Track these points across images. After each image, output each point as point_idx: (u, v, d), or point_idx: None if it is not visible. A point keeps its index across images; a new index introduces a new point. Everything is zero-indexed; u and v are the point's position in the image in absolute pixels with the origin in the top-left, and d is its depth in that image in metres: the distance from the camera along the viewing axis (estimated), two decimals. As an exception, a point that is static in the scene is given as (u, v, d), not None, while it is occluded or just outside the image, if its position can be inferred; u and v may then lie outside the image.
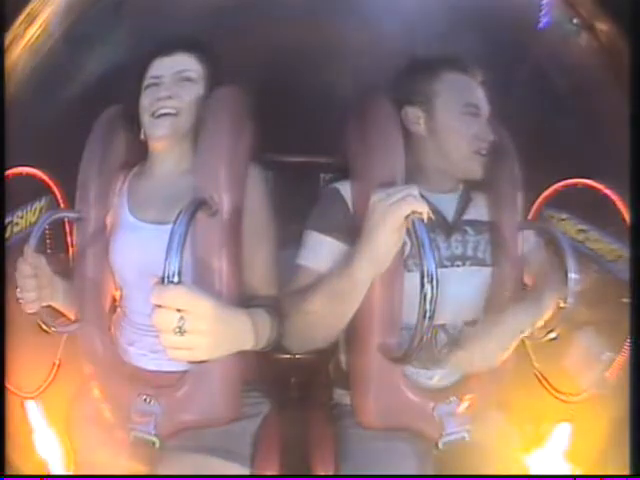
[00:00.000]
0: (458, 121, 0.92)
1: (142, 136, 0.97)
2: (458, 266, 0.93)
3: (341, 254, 0.88)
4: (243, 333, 0.76)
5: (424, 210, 0.72)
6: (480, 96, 0.93)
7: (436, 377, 0.93)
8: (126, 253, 0.93)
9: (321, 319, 0.83)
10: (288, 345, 0.88)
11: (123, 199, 0.97)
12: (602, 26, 0.84)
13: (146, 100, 0.94)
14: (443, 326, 0.92)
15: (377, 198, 0.75)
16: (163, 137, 0.93)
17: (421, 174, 0.94)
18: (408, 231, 0.72)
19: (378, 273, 0.79)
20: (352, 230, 0.85)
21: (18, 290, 0.88)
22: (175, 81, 0.93)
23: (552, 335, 0.94)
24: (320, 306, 0.82)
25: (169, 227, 0.70)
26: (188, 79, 0.94)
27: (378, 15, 1.20)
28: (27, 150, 1.06)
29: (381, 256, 0.76)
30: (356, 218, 0.87)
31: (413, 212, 0.71)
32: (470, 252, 0.95)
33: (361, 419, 0.90)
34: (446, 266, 0.92)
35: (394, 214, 0.72)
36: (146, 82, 0.95)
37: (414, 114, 0.94)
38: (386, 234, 0.73)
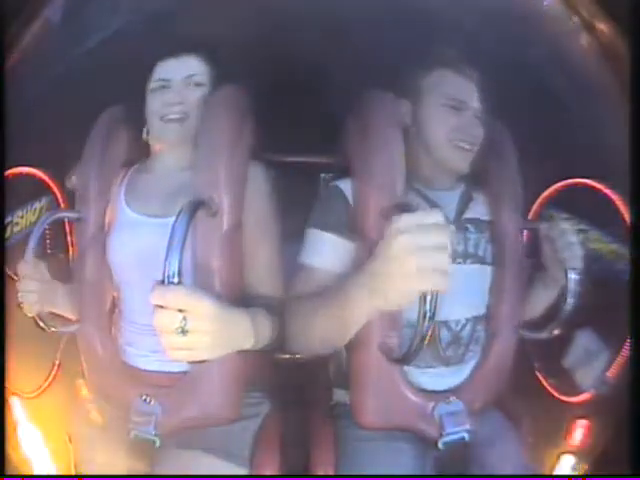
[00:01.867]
0: (438, 112, 0.92)
1: (144, 136, 0.97)
2: (459, 263, 0.94)
3: (343, 250, 0.88)
4: (243, 332, 0.76)
5: (444, 290, 0.61)
6: (467, 92, 0.93)
7: (437, 378, 0.93)
8: (125, 248, 0.93)
9: (323, 332, 0.81)
10: (290, 347, 0.88)
11: (121, 194, 0.97)
12: (602, 26, 0.84)
13: (155, 103, 0.94)
14: (445, 323, 0.91)
15: (401, 229, 0.61)
16: (173, 141, 0.94)
17: (418, 171, 0.94)
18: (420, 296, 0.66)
19: (383, 308, 0.68)
20: (353, 226, 0.85)
21: (19, 294, 0.88)
22: (185, 85, 0.94)
23: (556, 331, 0.94)
24: (323, 320, 0.79)
25: (168, 221, 0.70)
26: (198, 84, 0.95)
27: (378, 15, 1.20)
28: (27, 150, 1.06)
29: (389, 301, 0.65)
30: (357, 214, 0.88)
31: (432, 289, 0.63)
32: (471, 249, 0.95)
33: (361, 419, 0.90)
34: None
35: (412, 283, 0.61)
36: (154, 84, 0.95)
37: (405, 107, 0.95)
38: (398, 289, 0.63)
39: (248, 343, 0.77)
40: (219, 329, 0.68)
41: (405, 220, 0.61)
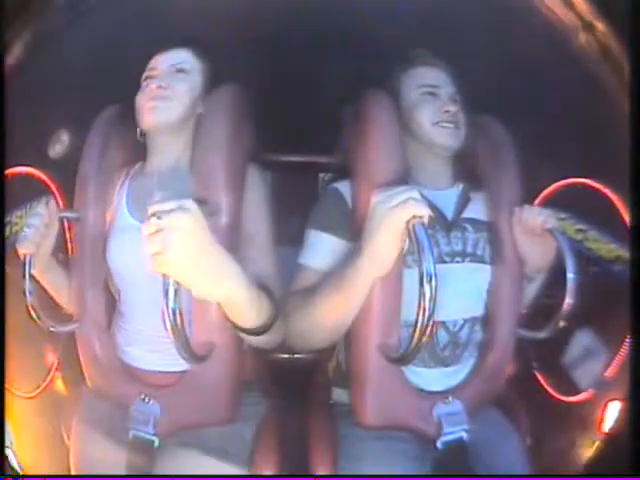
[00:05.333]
0: (418, 101, 0.98)
1: (138, 136, 0.98)
2: (458, 262, 0.94)
3: (342, 251, 0.89)
4: (230, 273, 0.72)
5: (425, 214, 0.72)
6: (439, 79, 0.99)
7: (436, 378, 0.93)
8: (124, 253, 0.93)
9: (324, 320, 0.84)
10: (292, 345, 0.89)
11: (121, 200, 0.97)
12: (601, 26, 0.84)
13: (142, 93, 0.95)
14: (443, 323, 0.92)
15: (378, 200, 0.75)
16: (155, 123, 0.94)
17: (415, 171, 0.95)
18: (408, 232, 0.72)
19: (380, 274, 0.79)
20: (352, 227, 0.86)
21: (24, 228, 0.88)
22: (169, 73, 0.95)
23: (561, 324, 0.93)
24: (323, 307, 0.83)
25: None
26: (181, 70, 0.96)
27: (377, 15, 1.21)
28: (27, 150, 1.06)
29: (383, 259, 0.76)
30: (355, 215, 0.88)
31: (414, 216, 0.71)
32: (470, 249, 0.95)
33: (360, 418, 0.90)
34: (446, 262, 0.93)
35: (394, 219, 0.72)
36: (144, 76, 0.97)
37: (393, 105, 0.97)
38: (387, 238, 0.74)
39: (238, 293, 0.73)
40: (198, 246, 0.65)
41: (380, 194, 0.75)
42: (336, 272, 0.83)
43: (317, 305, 0.83)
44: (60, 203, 1.20)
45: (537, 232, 0.92)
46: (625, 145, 0.77)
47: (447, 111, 0.95)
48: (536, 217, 0.92)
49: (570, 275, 0.90)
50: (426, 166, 0.98)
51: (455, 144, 0.97)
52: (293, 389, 1.14)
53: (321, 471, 0.93)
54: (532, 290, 1.01)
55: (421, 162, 0.97)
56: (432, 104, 0.96)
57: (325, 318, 0.84)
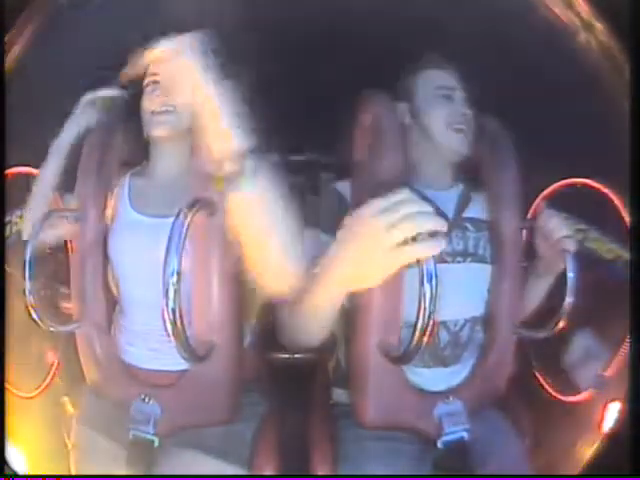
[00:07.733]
0: (432, 103, 0.97)
1: (145, 136, 0.98)
2: (459, 262, 0.94)
3: None
4: None
5: (441, 228, 0.61)
6: (453, 82, 0.98)
7: (436, 378, 0.93)
8: (128, 248, 0.93)
9: (302, 328, 0.78)
10: (281, 340, 0.84)
11: (124, 196, 0.98)
12: (601, 25, 0.84)
13: (145, 99, 0.96)
14: (444, 323, 0.92)
15: (372, 212, 0.62)
16: (162, 135, 0.94)
17: (417, 171, 0.96)
18: None
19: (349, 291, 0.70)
20: None
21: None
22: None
23: (555, 331, 0.94)
24: (296, 320, 0.76)
25: (170, 221, 0.70)
26: None
27: (379, 14, 1.21)
28: (27, 150, 1.06)
29: (366, 277, 0.66)
30: None
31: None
32: (471, 249, 0.95)
33: (360, 419, 0.90)
34: (447, 262, 0.92)
35: (394, 254, 0.60)
36: (146, 81, 0.96)
37: (401, 109, 0.98)
38: (377, 260, 0.62)
39: None
40: None
41: (373, 204, 0.62)
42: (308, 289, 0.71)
43: (291, 318, 0.77)
44: (60, 203, 1.20)
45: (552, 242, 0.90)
46: (625, 145, 0.77)
47: (464, 114, 0.96)
48: (558, 231, 0.89)
49: (570, 275, 0.90)
50: (429, 166, 0.98)
51: (465, 150, 0.97)
52: (293, 389, 1.14)
53: (321, 471, 0.93)
54: (542, 286, 0.99)
55: (424, 162, 0.97)
56: (447, 106, 0.96)
57: (302, 327, 0.77)
